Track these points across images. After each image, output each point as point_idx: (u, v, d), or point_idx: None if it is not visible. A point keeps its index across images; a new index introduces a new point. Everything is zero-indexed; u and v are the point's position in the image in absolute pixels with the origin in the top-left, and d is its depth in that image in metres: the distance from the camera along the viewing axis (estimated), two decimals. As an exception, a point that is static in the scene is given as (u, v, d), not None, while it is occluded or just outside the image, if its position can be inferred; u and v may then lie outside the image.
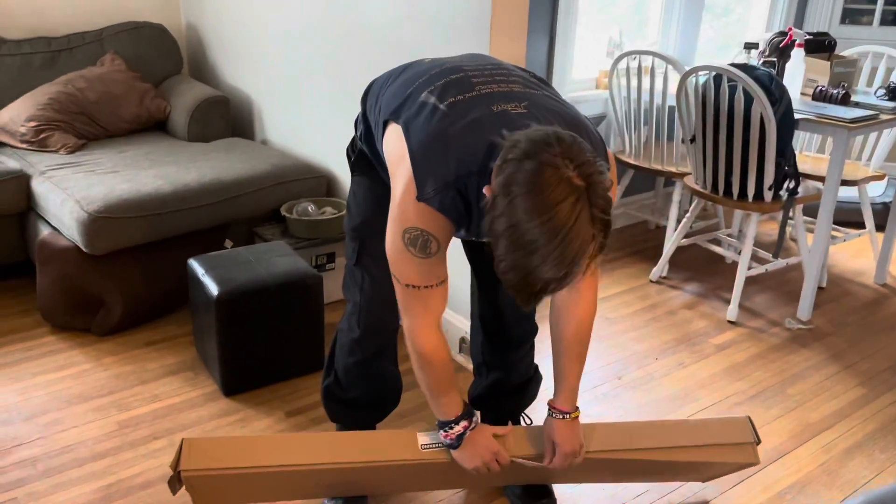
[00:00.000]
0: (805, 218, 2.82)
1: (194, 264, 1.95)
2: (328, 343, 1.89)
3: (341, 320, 1.54)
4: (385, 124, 1.24)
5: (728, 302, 2.46)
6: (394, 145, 1.21)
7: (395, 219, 1.18)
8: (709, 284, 2.65)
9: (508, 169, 1.00)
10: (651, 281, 2.66)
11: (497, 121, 1.13)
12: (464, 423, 1.30)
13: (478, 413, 1.56)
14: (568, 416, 1.34)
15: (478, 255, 1.53)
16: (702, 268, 2.78)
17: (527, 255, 0.99)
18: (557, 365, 1.35)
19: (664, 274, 2.71)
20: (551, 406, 1.35)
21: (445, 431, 1.31)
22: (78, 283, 2.12)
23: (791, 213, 2.44)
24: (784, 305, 2.51)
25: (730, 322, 2.39)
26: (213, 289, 1.84)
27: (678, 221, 2.68)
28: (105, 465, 1.64)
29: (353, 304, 1.48)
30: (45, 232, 2.22)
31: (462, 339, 2.04)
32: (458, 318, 2.04)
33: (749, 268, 2.42)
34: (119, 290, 2.14)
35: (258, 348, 1.91)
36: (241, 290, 1.85)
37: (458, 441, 1.31)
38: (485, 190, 1.05)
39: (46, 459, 1.65)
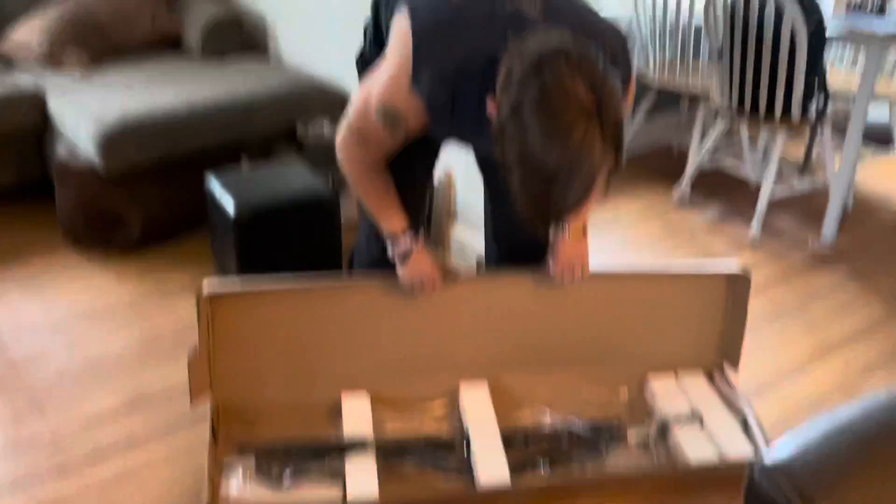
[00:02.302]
0: (833, 138, 2.74)
1: (213, 181, 1.94)
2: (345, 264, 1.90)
3: (357, 242, 1.54)
4: (392, 14, 1.19)
5: (750, 225, 2.43)
6: (397, 30, 1.16)
7: (381, 89, 1.16)
8: (731, 208, 2.60)
9: (515, 91, 0.97)
10: (673, 205, 2.62)
11: (509, 22, 1.08)
12: (408, 238, 1.34)
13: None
14: (567, 233, 1.38)
15: (489, 170, 1.50)
16: (724, 192, 2.73)
17: (542, 183, 0.97)
18: None
19: (686, 197, 2.66)
20: None
21: (393, 247, 1.35)
22: (96, 202, 2.13)
23: (819, 132, 2.37)
24: (808, 228, 2.47)
25: (752, 244, 2.35)
26: (231, 208, 1.83)
27: (701, 143, 2.62)
28: (128, 378, 1.67)
29: (369, 225, 1.47)
30: (62, 151, 2.21)
31: (478, 260, 2.03)
32: (474, 236, 2.02)
33: (773, 192, 2.37)
34: (137, 208, 2.15)
35: (276, 267, 1.91)
36: (260, 210, 1.84)
37: (402, 259, 1.35)
38: (489, 107, 1.02)
39: (71, 371, 1.69)
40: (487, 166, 1.48)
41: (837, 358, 1.79)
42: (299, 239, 1.91)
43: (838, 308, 2.01)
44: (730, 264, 1.56)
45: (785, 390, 1.67)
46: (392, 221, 1.33)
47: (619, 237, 2.38)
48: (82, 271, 2.09)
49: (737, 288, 1.54)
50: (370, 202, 1.32)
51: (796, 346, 1.84)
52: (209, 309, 1.39)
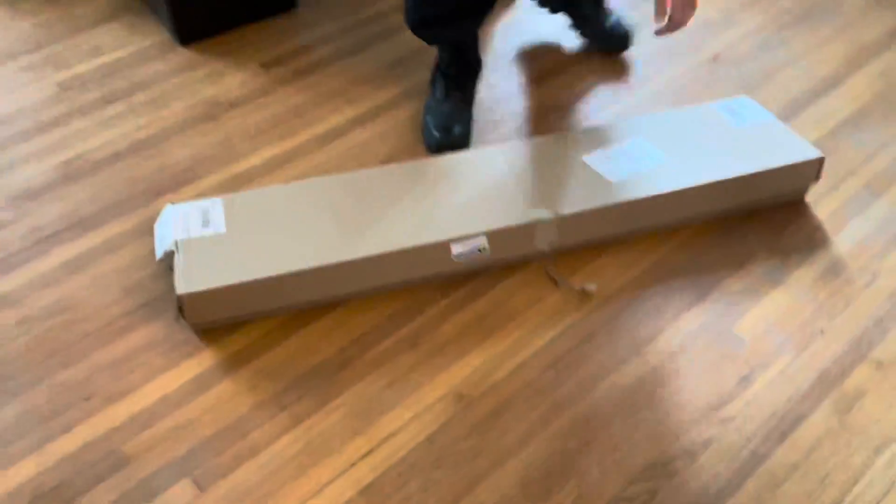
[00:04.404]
0: None
1: None
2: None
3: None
4: None
5: None
6: None
7: None
8: None
9: None
10: None
11: None
12: None
13: None
14: None
15: None
16: None
17: None
18: None
19: None
20: None
21: None
22: None
23: None
24: None
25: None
26: None
27: None
28: (57, 138, 1.38)
29: None
30: None
31: None
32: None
33: None
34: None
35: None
36: None
37: None
38: None
39: (-16, 135, 1.38)
40: None
41: (875, 66, 1.58)
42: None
43: (873, 3, 1.75)
44: None
45: (822, 110, 1.48)
46: None
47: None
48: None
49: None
50: None
51: (829, 52, 1.62)
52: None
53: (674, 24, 1.11)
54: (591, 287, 1.15)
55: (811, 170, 1.25)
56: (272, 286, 1.07)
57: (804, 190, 1.29)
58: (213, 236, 1.11)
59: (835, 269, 1.18)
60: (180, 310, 1.05)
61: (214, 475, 0.93)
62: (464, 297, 1.14)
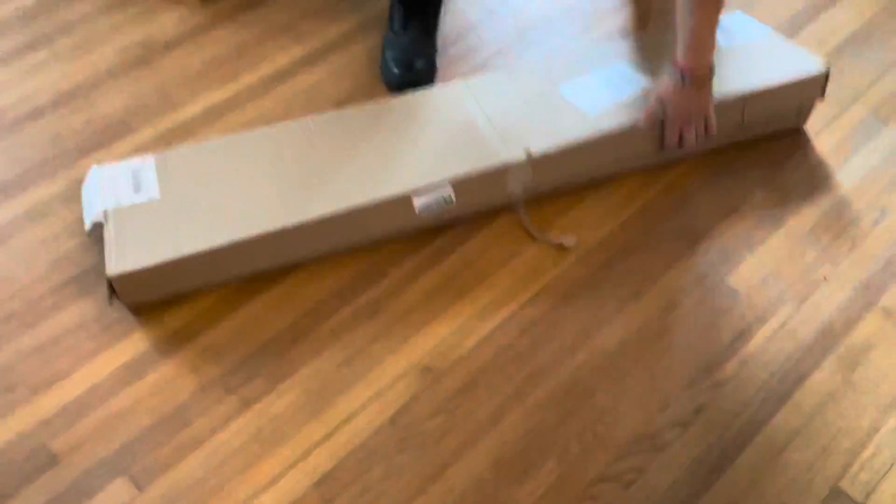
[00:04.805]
0: None
1: None
2: None
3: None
4: None
5: None
6: None
7: None
8: None
9: None
10: None
11: None
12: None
13: None
14: (684, 79, 0.98)
15: None
16: None
17: None
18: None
19: None
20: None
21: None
22: None
23: None
24: None
25: None
26: None
27: None
28: None
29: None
30: None
31: None
32: None
33: None
34: None
35: None
36: None
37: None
38: None
39: None
40: None
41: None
42: None
43: None
44: None
45: (827, 26, 1.33)
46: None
47: None
48: None
49: None
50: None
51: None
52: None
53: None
54: (570, 241, 1.03)
55: (815, 86, 1.12)
56: (214, 258, 0.95)
57: (807, 113, 1.16)
58: (145, 204, 0.99)
59: (839, 208, 1.07)
60: (112, 291, 0.93)
61: (154, 471, 0.84)
62: (429, 256, 1.03)
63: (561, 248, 1.03)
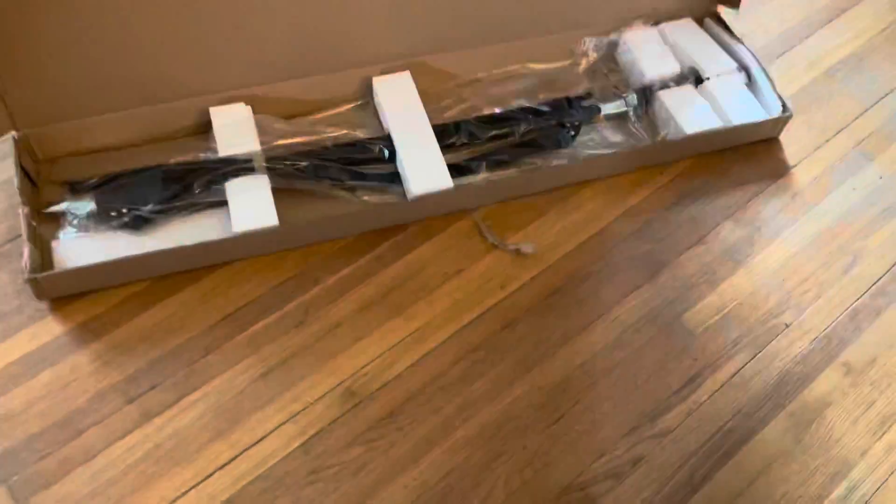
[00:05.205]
0: None
1: None
2: None
3: None
4: None
5: None
6: None
7: None
8: None
9: None
10: None
11: None
12: None
13: None
14: None
15: None
16: None
17: None
18: None
19: None
20: None
21: None
22: None
23: None
24: None
25: None
26: None
27: None
28: None
29: None
30: None
31: None
32: None
33: None
34: None
35: None
36: None
37: None
38: None
39: None
40: None
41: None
42: None
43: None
44: None
45: (817, 51, 1.25)
46: None
47: None
48: None
49: None
50: None
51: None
52: None
53: None
54: (529, 248, 0.96)
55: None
56: (137, 260, 0.87)
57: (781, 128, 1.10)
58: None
59: (809, 251, 1.00)
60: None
61: (35, 484, 0.76)
62: (369, 264, 0.95)
63: (518, 255, 0.95)
